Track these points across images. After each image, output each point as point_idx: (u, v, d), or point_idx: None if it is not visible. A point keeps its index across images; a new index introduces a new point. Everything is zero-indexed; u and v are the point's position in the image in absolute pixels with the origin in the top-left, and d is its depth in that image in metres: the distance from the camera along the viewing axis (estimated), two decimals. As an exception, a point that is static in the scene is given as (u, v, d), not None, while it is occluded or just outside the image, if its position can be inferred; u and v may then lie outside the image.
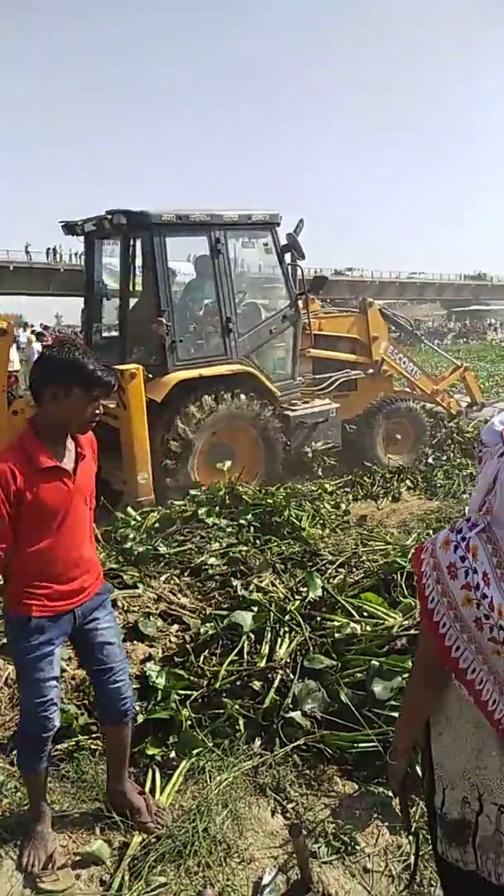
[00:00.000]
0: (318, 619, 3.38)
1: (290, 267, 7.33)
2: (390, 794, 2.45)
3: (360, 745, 2.63)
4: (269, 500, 5.74)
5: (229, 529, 5.06)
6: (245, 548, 4.65)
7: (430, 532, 5.06)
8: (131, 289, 6.99)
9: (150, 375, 6.19)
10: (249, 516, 5.31)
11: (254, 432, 6.89)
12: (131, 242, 6.86)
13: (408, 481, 7.99)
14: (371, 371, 8.47)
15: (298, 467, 7.29)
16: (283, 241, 7.17)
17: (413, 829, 1.89)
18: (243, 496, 5.88)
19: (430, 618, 1.39)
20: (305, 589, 3.62)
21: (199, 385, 6.38)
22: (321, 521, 5.95)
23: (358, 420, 8.29)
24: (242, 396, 6.66)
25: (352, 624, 3.20)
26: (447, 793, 1.54)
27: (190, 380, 6.31)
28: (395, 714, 2.63)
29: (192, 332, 7.01)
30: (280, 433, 7.03)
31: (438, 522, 5.81)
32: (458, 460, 8.43)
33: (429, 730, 1.59)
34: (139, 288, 7.14)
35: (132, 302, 6.93)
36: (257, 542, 4.93)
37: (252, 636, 3.23)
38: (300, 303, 7.35)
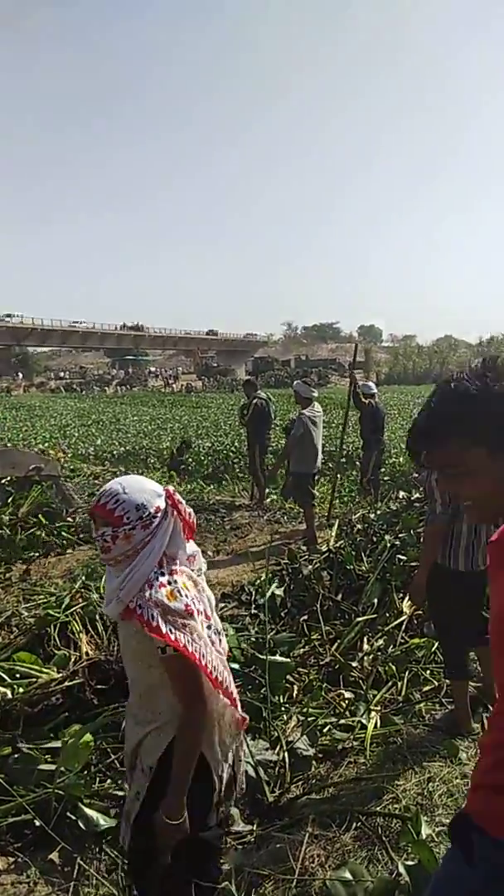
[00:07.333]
0: (-33, 691, 3.11)
1: None
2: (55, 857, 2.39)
3: (14, 815, 2.48)
4: None
5: None
6: None
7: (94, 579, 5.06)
8: None
9: None
10: None
11: None
12: None
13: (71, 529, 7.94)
14: None
15: None
16: None
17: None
18: None
19: (176, 643, 1.71)
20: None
21: None
22: (-22, 584, 5.56)
23: None
24: None
25: (1, 689, 3.02)
26: (223, 775, 1.93)
27: None
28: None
29: None
30: None
31: (103, 566, 5.86)
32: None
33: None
34: None
35: None
36: None
37: None
38: None
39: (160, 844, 1.78)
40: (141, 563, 1.77)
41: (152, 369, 68.25)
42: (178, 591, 1.76)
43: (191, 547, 1.92)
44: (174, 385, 53.99)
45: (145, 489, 1.83)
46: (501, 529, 1.36)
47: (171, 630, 1.70)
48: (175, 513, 1.85)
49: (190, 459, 13.64)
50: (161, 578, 1.75)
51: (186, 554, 1.89)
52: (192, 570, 1.90)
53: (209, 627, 1.87)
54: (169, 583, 1.75)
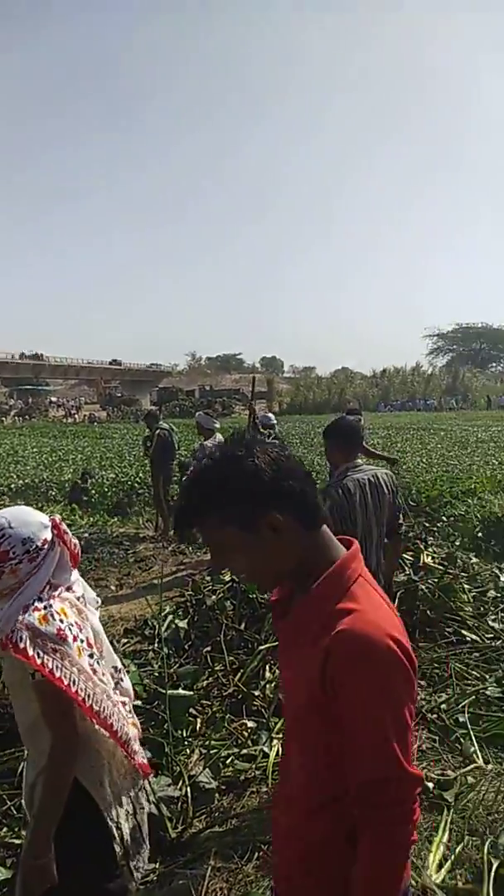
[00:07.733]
0: None
1: None
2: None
3: None
4: None
5: None
6: None
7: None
8: None
9: None
10: None
11: None
12: None
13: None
14: None
15: None
16: None
17: None
18: None
19: (42, 668, 1.65)
20: None
21: None
22: None
23: None
24: None
25: None
26: (121, 821, 1.86)
27: None
28: None
29: None
30: None
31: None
32: None
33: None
34: None
35: None
36: None
37: None
38: None
39: (24, 889, 1.68)
40: (22, 594, 1.74)
41: (53, 399, 66.32)
42: (52, 615, 1.72)
43: (73, 575, 1.90)
44: (77, 415, 52.71)
45: (31, 522, 1.79)
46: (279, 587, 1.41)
47: (38, 653, 1.65)
48: (61, 543, 1.83)
49: (93, 491, 13.34)
50: (37, 604, 1.72)
51: (70, 582, 1.87)
52: (76, 598, 1.86)
53: (91, 656, 1.81)
54: (45, 607, 1.72)
